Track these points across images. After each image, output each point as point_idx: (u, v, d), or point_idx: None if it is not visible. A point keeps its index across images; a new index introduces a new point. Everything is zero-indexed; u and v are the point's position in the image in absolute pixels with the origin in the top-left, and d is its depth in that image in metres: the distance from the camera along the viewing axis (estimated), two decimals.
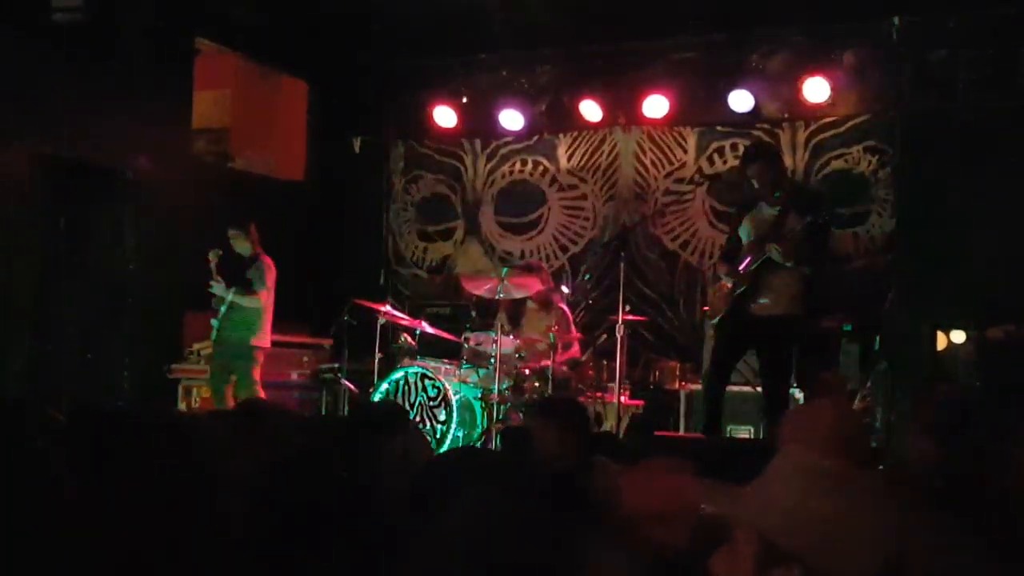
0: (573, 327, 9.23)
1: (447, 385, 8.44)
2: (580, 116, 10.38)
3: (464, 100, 10.89)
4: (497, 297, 8.72)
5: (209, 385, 8.72)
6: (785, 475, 1.67)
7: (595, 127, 10.54)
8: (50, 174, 8.73)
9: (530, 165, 10.97)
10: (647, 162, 10.41)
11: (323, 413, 9.68)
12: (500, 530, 1.65)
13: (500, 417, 8.41)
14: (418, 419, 8.34)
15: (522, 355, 8.70)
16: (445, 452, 5.60)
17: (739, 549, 1.65)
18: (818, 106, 9.48)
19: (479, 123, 10.91)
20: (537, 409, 4.87)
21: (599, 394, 8.91)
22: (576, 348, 9.12)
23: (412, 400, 8.53)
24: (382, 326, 9.07)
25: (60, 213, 8.88)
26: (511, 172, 11.05)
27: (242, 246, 8.65)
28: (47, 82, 8.54)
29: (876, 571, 1.55)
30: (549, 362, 8.57)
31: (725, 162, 10.03)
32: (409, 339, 9.01)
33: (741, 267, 6.83)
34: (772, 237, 6.66)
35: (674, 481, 2.67)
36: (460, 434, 8.44)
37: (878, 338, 8.77)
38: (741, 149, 9.75)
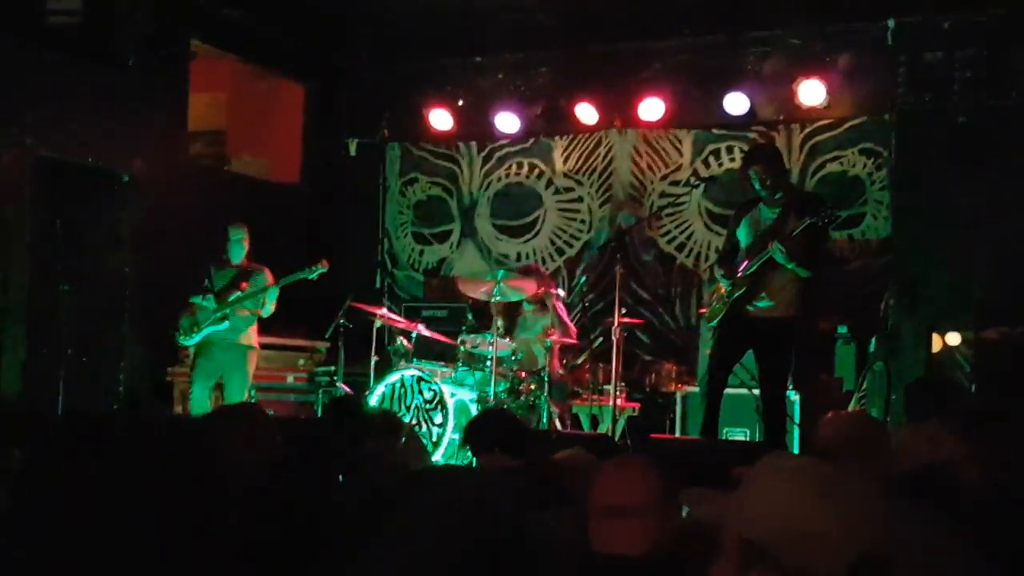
0: (571, 324, 9.21)
1: (443, 388, 8.44)
2: (576, 119, 10.38)
3: (460, 103, 10.90)
4: (493, 300, 8.72)
5: (194, 386, 8.47)
6: (764, 477, 1.72)
7: (591, 129, 10.54)
8: (46, 176, 8.72)
9: (526, 168, 10.97)
10: (643, 165, 10.41)
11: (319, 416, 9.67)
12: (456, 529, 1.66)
13: None
14: (414, 422, 8.34)
15: (518, 357, 8.71)
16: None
17: (724, 552, 1.70)
18: (813, 108, 9.49)
19: (475, 126, 10.91)
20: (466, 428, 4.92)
21: (595, 396, 8.91)
22: (573, 338, 9.10)
23: (408, 403, 8.52)
24: (378, 329, 9.07)
25: (56, 215, 8.87)
26: (507, 175, 11.05)
27: (240, 248, 8.50)
28: (43, 85, 8.54)
29: (847, 567, 1.58)
30: (545, 365, 8.58)
31: (721, 164, 10.03)
32: (405, 342, 9.01)
33: (739, 270, 6.83)
34: (772, 239, 6.65)
35: (644, 478, 2.67)
36: (456, 437, 8.44)
37: (874, 340, 8.79)
38: (737, 151, 9.79)
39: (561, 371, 8.95)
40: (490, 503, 1.85)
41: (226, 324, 8.33)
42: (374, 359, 8.99)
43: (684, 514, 2.52)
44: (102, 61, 8.96)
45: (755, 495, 1.69)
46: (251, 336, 8.50)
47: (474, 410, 8.57)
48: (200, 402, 8.29)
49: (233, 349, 8.38)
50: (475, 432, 4.53)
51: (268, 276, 8.51)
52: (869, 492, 1.72)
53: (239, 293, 8.36)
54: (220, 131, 11.23)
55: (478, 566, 1.65)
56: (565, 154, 10.78)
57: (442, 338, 9.04)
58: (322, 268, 8.42)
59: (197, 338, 8.40)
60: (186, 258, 8.77)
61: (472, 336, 8.88)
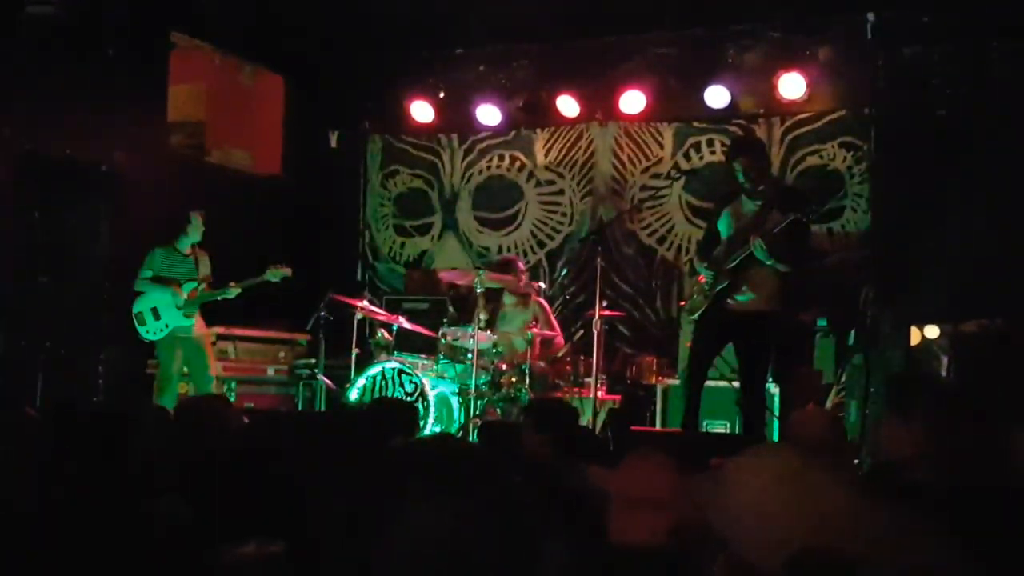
0: (555, 322, 9.25)
1: (424, 380, 8.44)
2: (557, 111, 10.38)
3: (441, 95, 10.87)
4: (475, 291, 8.73)
5: (170, 382, 8.58)
6: (737, 466, 1.74)
7: (572, 122, 10.55)
8: (25, 168, 8.67)
9: (507, 160, 10.97)
10: (624, 157, 10.43)
11: (300, 408, 9.66)
12: (466, 527, 1.65)
13: (477, 412, 8.42)
14: None
15: (499, 350, 8.72)
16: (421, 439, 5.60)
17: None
18: (794, 101, 9.52)
19: (456, 118, 10.91)
20: (526, 409, 4.99)
21: (576, 389, 8.93)
22: (560, 342, 9.14)
23: (389, 395, 8.52)
24: (359, 321, 9.06)
25: (36, 207, 8.81)
26: (488, 167, 11.05)
27: (197, 235, 8.67)
28: (21, 76, 8.47)
29: (788, 557, 1.59)
30: (526, 357, 8.59)
31: (702, 157, 10.07)
32: (386, 334, 9.00)
33: (720, 262, 6.85)
34: (753, 232, 6.67)
35: (654, 472, 2.69)
36: (437, 429, 8.45)
37: (853, 333, 8.83)
38: (718, 144, 9.82)
39: (542, 364, 8.97)
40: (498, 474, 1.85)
41: (190, 320, 8.55)
42: (355, 352, 8.99)
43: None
44: (81, 52, 8.89)
45: (722, 484, 1.72)
46: (202, 322, 8.73)
47: (455, 403, 8.60)
48: (175, 397, 8.39)
49: (193, 339, 8.60)
50: None
51: (209, 261, 8.75)
52: (835, 486, 1.73)
53: (194, 284, 8.55)
54: (200, 122, 11.16)
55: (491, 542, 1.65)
56: (546, 147, 10.79)
57: (423, 331, 9.04)
58: (284, 272, 8.52)
59: (164, 333, 8.55)
60: None
61: (453, 329, 8.89)
